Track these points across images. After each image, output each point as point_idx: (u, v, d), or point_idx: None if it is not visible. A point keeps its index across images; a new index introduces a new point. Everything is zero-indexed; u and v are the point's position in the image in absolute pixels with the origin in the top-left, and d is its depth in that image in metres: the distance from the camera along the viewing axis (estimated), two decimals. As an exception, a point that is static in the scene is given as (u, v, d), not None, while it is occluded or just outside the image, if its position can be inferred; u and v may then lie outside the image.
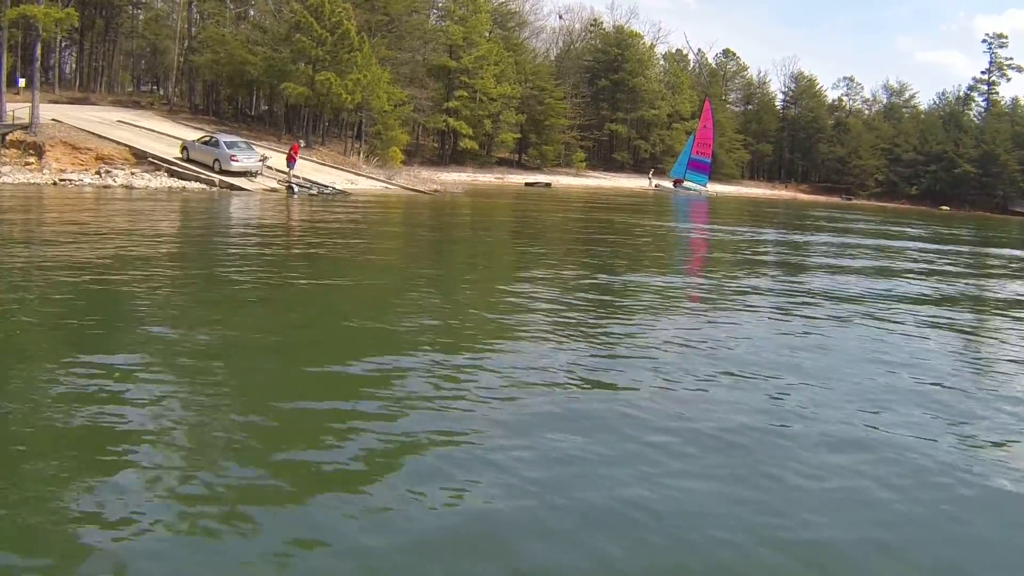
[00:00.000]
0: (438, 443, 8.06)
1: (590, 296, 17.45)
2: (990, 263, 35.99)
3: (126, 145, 44.02)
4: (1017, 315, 20.20)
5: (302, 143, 49.23)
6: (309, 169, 48.57)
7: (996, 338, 16.75)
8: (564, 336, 12.97)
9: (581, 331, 13.53)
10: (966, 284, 25.60)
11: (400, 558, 5.94)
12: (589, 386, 10.33)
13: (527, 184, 75.32)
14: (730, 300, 18.43)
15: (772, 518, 6.89)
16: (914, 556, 6.59)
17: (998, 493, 7.96)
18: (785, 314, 16.78)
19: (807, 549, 6.50)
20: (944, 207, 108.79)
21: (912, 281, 24.57)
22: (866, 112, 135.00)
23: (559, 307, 15.66)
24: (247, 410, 8.62)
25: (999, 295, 24.05)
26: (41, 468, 6.86)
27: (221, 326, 12.26)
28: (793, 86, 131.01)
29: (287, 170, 43.79)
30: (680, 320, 15.46)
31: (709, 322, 15.37)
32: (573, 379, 10.59)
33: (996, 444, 9.33)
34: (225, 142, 44.17)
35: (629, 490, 7.23)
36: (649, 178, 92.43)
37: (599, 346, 12.57)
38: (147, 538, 5.92)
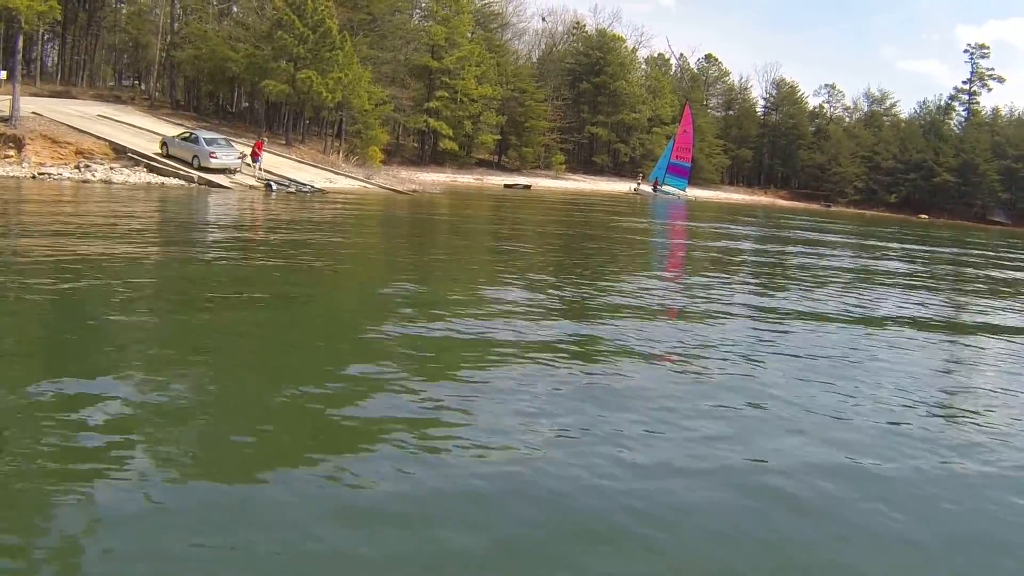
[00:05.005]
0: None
1: (564, 310, 17.76)
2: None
3: (106, 140, 44.14)
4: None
5: (266, 139, 49.16)
6: (288, 167, 48.88)
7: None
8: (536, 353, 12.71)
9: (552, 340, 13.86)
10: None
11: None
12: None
13: (506, 186, 75.82)
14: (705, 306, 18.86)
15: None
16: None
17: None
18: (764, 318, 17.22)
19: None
20: (923, 215, 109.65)
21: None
22: (847, 119, 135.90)
23: (530, 321, 15.43)
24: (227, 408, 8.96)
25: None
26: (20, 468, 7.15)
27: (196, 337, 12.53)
28: (774, 92, 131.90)
29: (251, 164, 44.04)
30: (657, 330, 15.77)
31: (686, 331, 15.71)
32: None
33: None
34: (205, 139, 44.40)
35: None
36: (638, 183, 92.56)
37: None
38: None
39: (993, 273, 36.19)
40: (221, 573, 5.69)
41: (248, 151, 45.51)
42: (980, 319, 21.01)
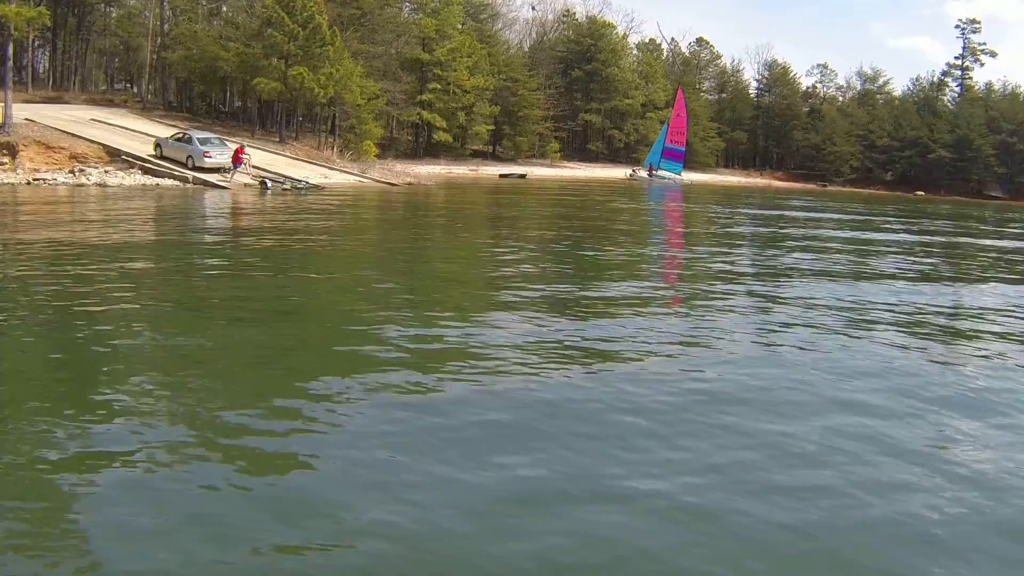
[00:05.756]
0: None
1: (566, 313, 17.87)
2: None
3: (100, 143, 44.22)
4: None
5: (246, 146, 48.39)
6: (283, 164, 48.98)
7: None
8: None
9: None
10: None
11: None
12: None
13: (501, 176, 75.79)
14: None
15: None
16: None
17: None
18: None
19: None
20: (919, 192, 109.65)
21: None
22: (840, 99, 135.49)
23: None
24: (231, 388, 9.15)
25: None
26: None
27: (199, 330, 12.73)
28: (767, 74, 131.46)
29: (231, 169, 43.47)
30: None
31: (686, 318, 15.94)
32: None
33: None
34: (198, 139, 44.50)
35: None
36: (633, 170, 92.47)
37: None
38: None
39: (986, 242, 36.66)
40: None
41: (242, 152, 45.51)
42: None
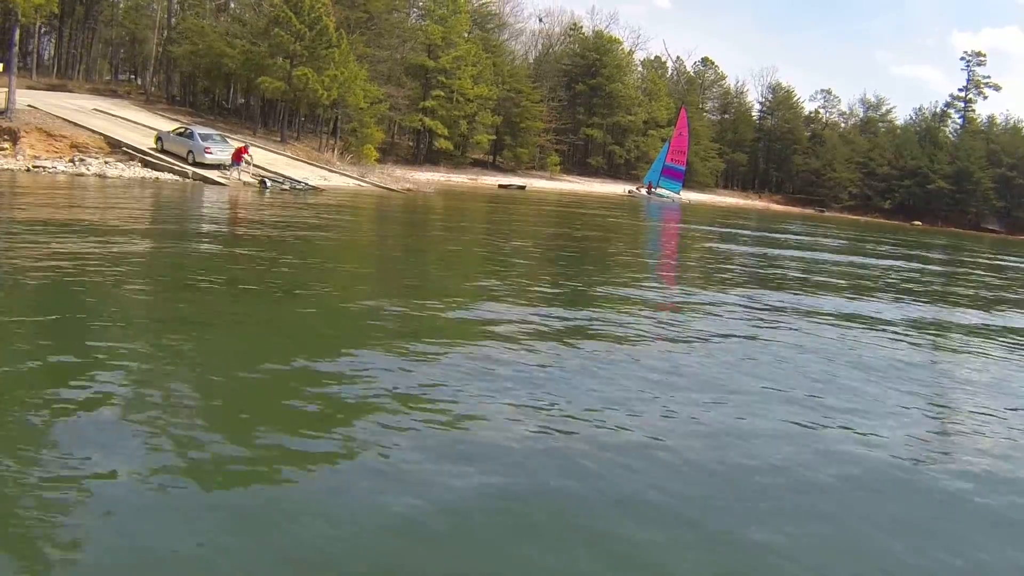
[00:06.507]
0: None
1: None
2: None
3: (101, 134, 44.18)
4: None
5: (249, 146, 48.10)
6: (283, 164, 48.98)
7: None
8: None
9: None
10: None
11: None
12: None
13: (501, 186, 75.84)
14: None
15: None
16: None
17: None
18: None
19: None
20: (917, 222, 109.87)
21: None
22: (842, 125, 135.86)
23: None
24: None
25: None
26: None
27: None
28: (770, 97, 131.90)
29: (229, 167, 43.38)
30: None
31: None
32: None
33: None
34: (200, 134, 44.47)
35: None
36: (635, 187, 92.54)
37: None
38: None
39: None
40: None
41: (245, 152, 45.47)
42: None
